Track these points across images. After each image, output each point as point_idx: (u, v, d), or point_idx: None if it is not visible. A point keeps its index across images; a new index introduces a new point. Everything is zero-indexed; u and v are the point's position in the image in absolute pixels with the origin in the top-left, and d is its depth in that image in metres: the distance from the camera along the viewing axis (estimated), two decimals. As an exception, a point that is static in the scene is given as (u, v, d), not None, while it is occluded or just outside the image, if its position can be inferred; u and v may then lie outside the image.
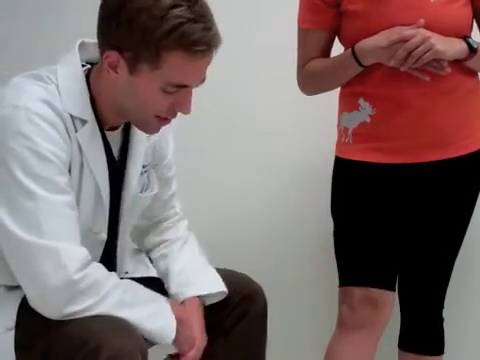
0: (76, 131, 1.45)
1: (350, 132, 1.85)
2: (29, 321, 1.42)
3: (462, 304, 2.30)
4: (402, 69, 1.70)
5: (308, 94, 1.94)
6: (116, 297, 1.42)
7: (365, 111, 1.81)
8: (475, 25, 1.84)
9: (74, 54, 1.50)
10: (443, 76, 1.74)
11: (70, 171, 1.45)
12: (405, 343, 1.99)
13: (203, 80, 1.46)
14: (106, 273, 1.44)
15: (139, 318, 1.43)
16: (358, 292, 1.84)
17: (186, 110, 1.46)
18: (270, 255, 2.35)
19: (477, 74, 1.85)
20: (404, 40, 1.67)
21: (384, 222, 1.84)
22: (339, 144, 1.90)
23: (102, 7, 1.43)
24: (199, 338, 1.58)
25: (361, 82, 1.81)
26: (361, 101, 1.82)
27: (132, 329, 1.40)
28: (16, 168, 1.36)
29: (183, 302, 1.64)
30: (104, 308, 1.40)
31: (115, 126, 1.55)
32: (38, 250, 1.36)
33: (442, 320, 1.96)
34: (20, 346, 1.44)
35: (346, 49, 1.83)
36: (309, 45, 1.86)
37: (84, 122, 1.46)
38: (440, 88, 1.76)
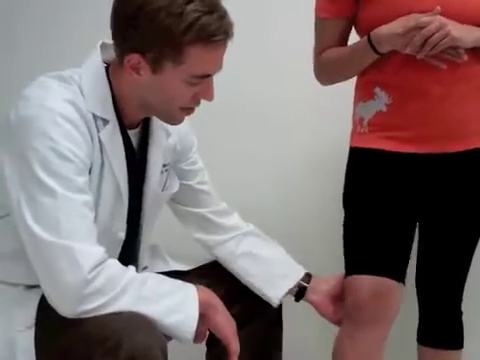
0: (98, 131, 1.49)
1: (366, 122, 1.84)
2: (49, 319, 1.43)
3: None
4: (418, 57, 1.69)
5: (324, 84, 1.94)
6: (133, 293, 1.41)
7: (381, 100, 1.80)
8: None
9: (96, 55, 1.54)
10: (461, 65, 1.72)
11: (91, 171, 1.48)
12: (424, 337, 1.96)
13: (221, 66, 1.51)
14: (122, 269, 1.44)
15: (157, 311, 1.42)
16: (365, 283, 1.79)
17: (210, 97, 1.52)
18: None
19: (495, 64, 1.83)
20: (420, 27, 1.66)
21: (398, 212, 1.81)
22: (354, 134, 1.89)
23: (115, 12, 1.47)
24: None
25: (377, 70, 1.79)
26: (377, 90, 1.80)
27: (152, 326, 1.39)
28: (38, 167, 1.39)
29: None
30: (120, 305, 1.39)
31: (135, 124, 1.59)
32: (55, 249, 1.38)
33: (461, 313, 1.92)
34: (40, 344, 1.45)
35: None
36: (326, 34, 1.86)
37: (106, 122, 1.50)
38: (458, 77, 1.74)
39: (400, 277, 1.83)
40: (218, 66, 1.50)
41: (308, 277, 1.85)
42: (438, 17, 1.66)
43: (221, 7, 1.45)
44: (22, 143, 1.41)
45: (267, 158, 2.40)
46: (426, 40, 1.65)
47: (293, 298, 1.86)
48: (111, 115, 1.51)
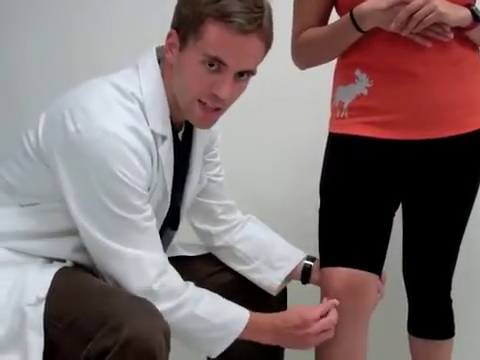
0: (157, 148, 1.54)
1: (346, 106, 1.76)
2: (59, 294, 1.48)
3: (471, 284, 2.26)
4: (403, 34, 1.62)
5: (302, 67, 1.85)
6: (187, 309, 1.53)
7: (362, 83, 1.73)
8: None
9: (154, 64, 1.55)
10: (447, 47, 1.66)
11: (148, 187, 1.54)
12: (415, 328, 1.90)
13: (250, 71, 1.51)
14: (182, 285, 1.56)
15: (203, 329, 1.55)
16: (339, 276, 1.72)
17: (221, 93, 1.49)
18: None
19: (478, 49, 1.77)
20: (405, 2, 1.60)
21: (376, 201, 1.74)
22: (333, 120, 1.80)
23: None
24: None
25: (359, 51, 1.72)
26: (358, 72, 1.73)
27: (156, 311, 1.44)
28: (101, 192, 1.47)
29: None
30: (175, 317, 1.50)
31: (181, 124, 1.63)
32: (123, 258, 1.50)
33: (450, 301, 1.87)
34: (48, 319, 1.47)
35: None
36: (305, 12, 1.77)
37: (164, 138, 1.55)
38: (444, 59, 1.68)
39: (376, 269, 1.76)
40: (236, 58, 1.47)
41: (312, 259, 1.83)
42: None
43: (259, 5, 1.46)
44: (85, 165, 1.46)
45: (267, 153, 2.38)
46: (411, 15, 1.59)
47: (299, 282, 1.83)
48: (168, 132, 1.55)
